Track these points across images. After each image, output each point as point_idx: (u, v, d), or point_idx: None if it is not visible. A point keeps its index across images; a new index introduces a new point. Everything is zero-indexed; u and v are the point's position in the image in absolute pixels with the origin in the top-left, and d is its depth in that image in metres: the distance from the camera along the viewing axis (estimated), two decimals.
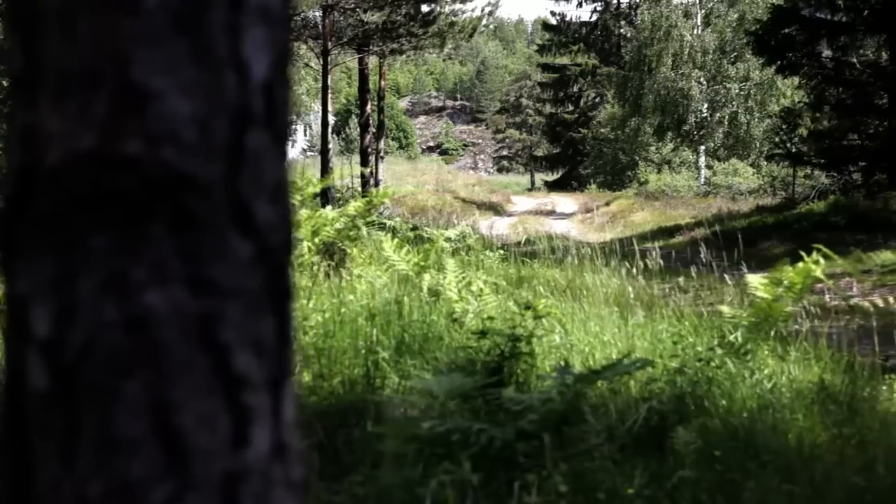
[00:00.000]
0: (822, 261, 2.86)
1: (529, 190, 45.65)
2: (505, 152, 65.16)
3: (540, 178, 50.53)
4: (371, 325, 3.14)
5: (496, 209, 29.54)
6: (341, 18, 16.80)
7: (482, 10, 17.56)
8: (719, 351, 2.88)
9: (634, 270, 5.43)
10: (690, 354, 2.97)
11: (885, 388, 3.30)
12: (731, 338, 3.07)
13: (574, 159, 42.98)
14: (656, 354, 3.23)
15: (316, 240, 4.37)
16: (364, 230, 3.90)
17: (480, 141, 76.10)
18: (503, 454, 2.04)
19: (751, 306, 3.07)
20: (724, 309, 3.23)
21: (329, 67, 17.13)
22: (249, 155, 0.59)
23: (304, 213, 3.64)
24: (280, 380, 0.61)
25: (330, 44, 16.73)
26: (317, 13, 16.66)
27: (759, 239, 12.54)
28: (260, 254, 0.59)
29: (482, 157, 72.97)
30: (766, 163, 24.21)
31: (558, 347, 3.25)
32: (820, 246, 2.88)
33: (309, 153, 53.63)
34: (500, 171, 64.75)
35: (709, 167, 27.96)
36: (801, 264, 2.89)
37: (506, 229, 19.29)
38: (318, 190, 3.42)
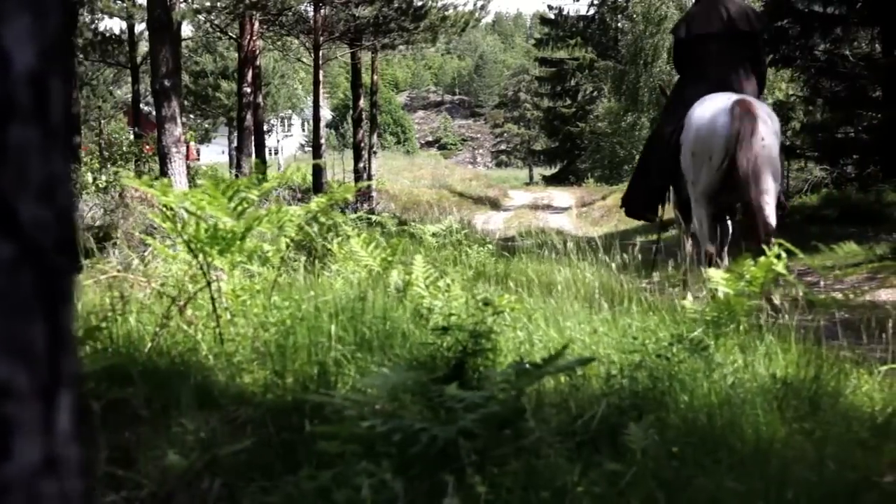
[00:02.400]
0: (783, 255, 2.82)
1: (527, 184, 45.63)
2: (503, 147, 65.14)
3: (538, 172, 50.52)
4: (331, 322, 3.10)
5: (493, 204, 29.54)
6: (333, 13, 16.74)
7: (475, 5, 17.50)
8: (680, 345, 2.84)
9: (613, 265, 5.40)
10: (653, 349, 2.94)
11: (852, 381, 3.26)
12: (695, 333, 3.04)
13: (572, 153, 42.96)
14: (621, 349, 3.19)
15: (292, 235, 4.32)
16: (315, 227, 3.87)
17: (479, 135, 76.00)
18: (447, 453, 2.00)
19: (713, 300, 3.04)
20: (687, 303, 3.20)
21: (321, 62, 17.08)
22: (12, 151, 0.55)
23: (269, 208, 3.60)
24: (53, 389, 0.57)
25: (322, 38, 16.68)
26: (308, 7, 16.61)
27: None
28: (25, 255, 0.56)
29: (480, 151, 72.87)
30: None
31: (521, 343, 3.22)
32: (782, 241, 2.85)
33: (307, 148, 53.58)
34: (498, 165, 64.71)
35: None
36: (762, 259, 2.85)
37: (501, 224, 19.29)
38: (274, 185, 3.37)
